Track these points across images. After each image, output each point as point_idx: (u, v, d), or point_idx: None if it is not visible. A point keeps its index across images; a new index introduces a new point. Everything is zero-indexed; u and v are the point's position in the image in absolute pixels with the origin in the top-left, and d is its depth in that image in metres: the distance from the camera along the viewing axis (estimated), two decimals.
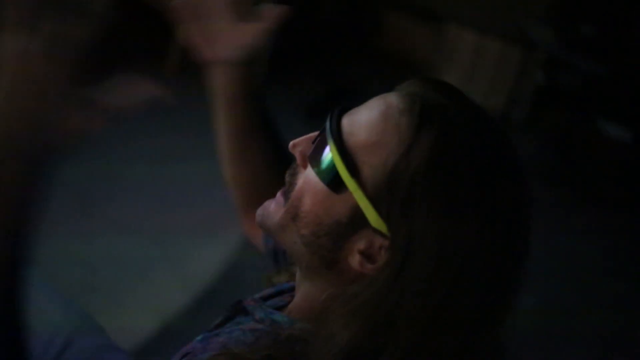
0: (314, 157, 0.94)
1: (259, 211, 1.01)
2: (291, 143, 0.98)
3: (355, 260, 0.91)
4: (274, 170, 1.31)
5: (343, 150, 0.90)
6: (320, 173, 0.92)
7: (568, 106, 4.11)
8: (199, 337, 1.10)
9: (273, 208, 0.99)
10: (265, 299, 1.14)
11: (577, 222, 3.75)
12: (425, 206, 0.83)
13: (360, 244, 0.90)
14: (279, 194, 1.00)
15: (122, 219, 2.94)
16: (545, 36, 4.16)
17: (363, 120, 0.91)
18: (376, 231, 0.88)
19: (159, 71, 3.91)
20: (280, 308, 1.07)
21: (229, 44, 1.26)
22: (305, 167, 0.96)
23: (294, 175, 0.98)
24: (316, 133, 0.96)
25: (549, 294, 3.15)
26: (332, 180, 0.90)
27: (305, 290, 1.01)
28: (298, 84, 4.09)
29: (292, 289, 1.11)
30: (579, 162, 3.91)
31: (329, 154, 0.91)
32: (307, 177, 0.94)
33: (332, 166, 0.90)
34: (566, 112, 4.11)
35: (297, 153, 0.97)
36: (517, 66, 4.52)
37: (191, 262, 2.81)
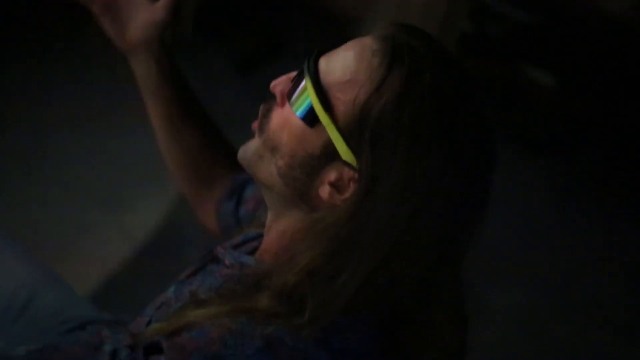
0: (292, 94, 1.00)
1: (241, 149, 1.08)
2: (272, 83, 1.04)
3: (325, 191, 0.97)
4: (212, 150, 1.42)
5: (318, 86, 0.96)
6: (296, 108, 0.98)
7: (494, 54, 4.19)
8: (172, 288, 1.14)
9: (251, 143, 1.06)
10: (235, 247, 1.18)
11: (509, 167, 3.82)
12: (391, 140, 0.90)
13: (331, 176, 0.96)
14: (255, 128, 1.06)
15: (61, 176, 2.92)
16: None
17: (338, 59, 0.97)
18: (346, 164, 0.94)
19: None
20: (249, 254, 1.12)
21: (141, 26, 1.33)
22: (283, 105, 1.01)
23: (269, 110, 1.04)
24: (295, 73, 1.02)
25: (485, 240, 3.22)
26: (307, 115, 0.96)
27: (276, 229, 1.06)
28: (228, 38, 4.06)
29: (259, 236, 1.17)
30: (507, 109, 4.00)
31: (305, 91, 0.97)
32: (285, 112, 1.00)
33: (307, 102, 0.96)
34: (492, 60, 4.18)
35: (277, 91, 1.03)
36: (441, 16, 4.58)
37: (132, 214, 2.82)
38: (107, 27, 1.34)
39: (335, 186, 0.96)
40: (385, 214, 0.90)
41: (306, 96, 0.96)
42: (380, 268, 0.91)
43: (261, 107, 1.05)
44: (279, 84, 1.03)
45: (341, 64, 0.96)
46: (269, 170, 1.02)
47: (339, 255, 0.92)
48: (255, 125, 1.06)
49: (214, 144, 1.43)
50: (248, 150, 1.06)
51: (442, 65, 0.93)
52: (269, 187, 1.04)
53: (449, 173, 0.90)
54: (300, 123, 0.97)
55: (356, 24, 4.74)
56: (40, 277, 1.47)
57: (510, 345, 2.79)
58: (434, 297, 0.97)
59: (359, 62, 0.94)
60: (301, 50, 4.12)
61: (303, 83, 0.98)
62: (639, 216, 3.71)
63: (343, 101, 0.94)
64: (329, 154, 0.95)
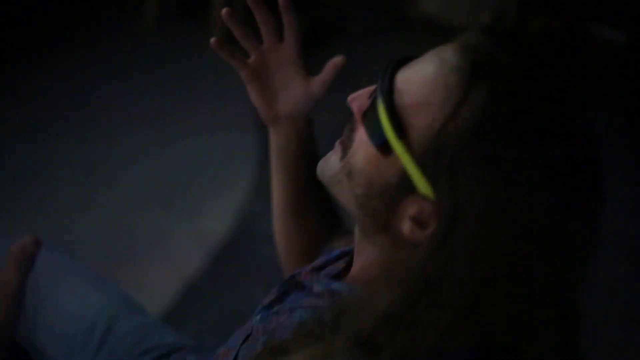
0: (366, 116, 0.89)
1: (321, 163, 0.98)
2: (350, 97, 0.92)
3: (406, 226, 0.86)
4: (328, 239, 1.28)
5: (392, 110, 0.85)
6: (370, 132, 0.87)
7: (557, 13, 4.05)
8: (257, 316, 1.06)
9: (332, 159, 0.95)
10: (319, 269, 1.09)
11: None
12: (471, 172, 0.78)
13: (412, 210, 0.85)
14: (337, 144, 0.95)
15: (129, 184, 2.90)
16: None
17: (415, 77, 0.85)
18: (425, 197, 0.83)
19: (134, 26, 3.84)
20: (336, 275, 1.04)
21: (293, 99, 1.23)
22: (361, 122, 0.91)
23: (353, 130, 0.93)
24: (374, 87, 0.90)
25: None
26: (381, 141, 0.86)
27: (364, 257, 0.97)
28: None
29: (343, 255, 1.08)
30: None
31: (378, 114, 0.86)
32: (361, 134, 0.90)
33: (380, 127, 0.85)
34: (555, 20, 4.06)
35: (354, 107, 0.92)
36: None
37: (204, 217, 2.78)
38: (253, 94, 1.23)
39: (417, 221, 0.85)
40: (470, 253, 0.78)
41: (379, 120, 0.85)
42: (467, 314, 0.79)
43: (346, 126, 0.94)
44: (356, 99, 0.92)
45: (417, 82, 0.84)
46: (347, 197, 0.92)
47: (419, 302, 0.80)
48: (338, 143, 0.95)
49: (333, 232, 1.31)
50: (327, 169, 0.96)
51: (531, 79, 0.80)
52: (351, 216, 0.94)
53: (540, 201, 0.78)
54: (374, 148, 0.87)
55: (408, 2, 4.64)
56: (116, 303, 1.42)
57: None
58: (538, 336, 0.83)
59: (436, 80, 0.82)
60: (353, 31, 4.07)
61: (377, 104, 0.86)
62: None
63: (417, 127, 0.82)
64: (406, 185, 0.84)
